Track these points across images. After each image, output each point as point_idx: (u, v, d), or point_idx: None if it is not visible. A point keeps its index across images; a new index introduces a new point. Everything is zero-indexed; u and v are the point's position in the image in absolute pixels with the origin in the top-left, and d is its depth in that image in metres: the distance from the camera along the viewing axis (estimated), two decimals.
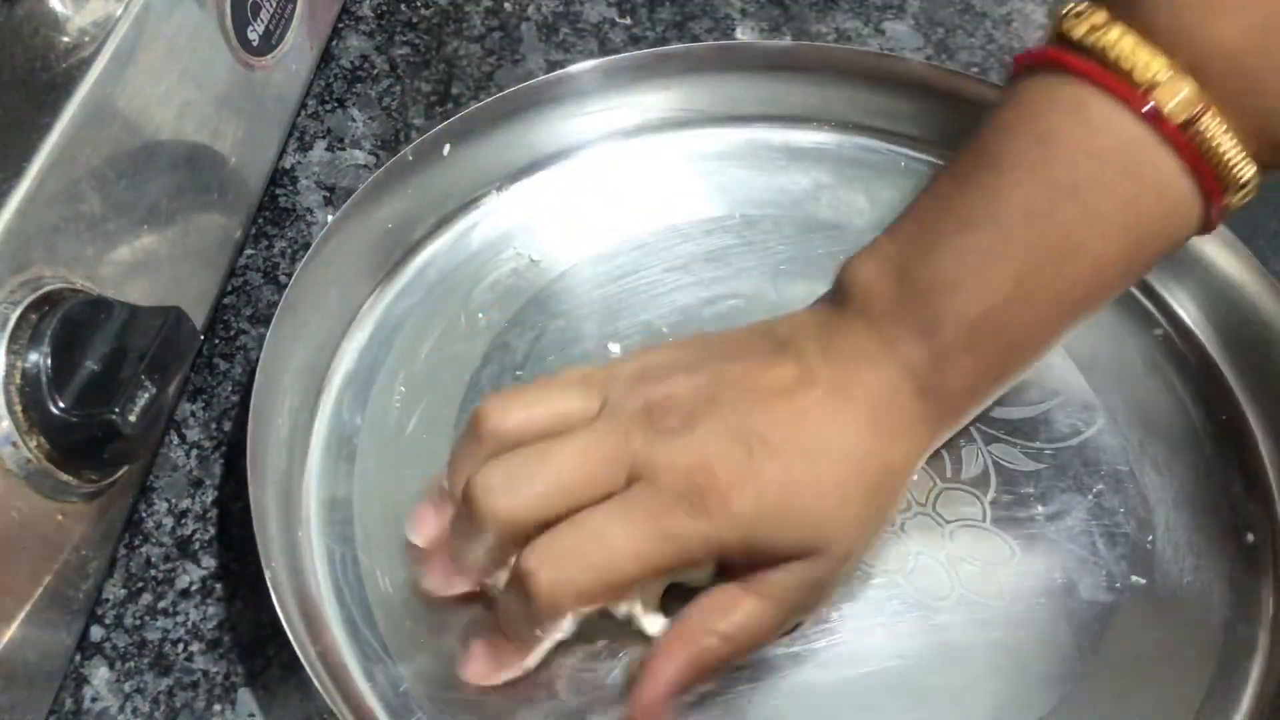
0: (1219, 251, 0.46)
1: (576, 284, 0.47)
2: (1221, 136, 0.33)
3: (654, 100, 0.51)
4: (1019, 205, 0.35)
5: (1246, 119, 0.34)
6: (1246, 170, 0.34)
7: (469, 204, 0.49)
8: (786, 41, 0.56)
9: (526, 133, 0.50)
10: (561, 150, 0.51)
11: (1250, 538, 0.41)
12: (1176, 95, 0.33)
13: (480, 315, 0.46)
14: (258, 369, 0.40)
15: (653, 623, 0.37)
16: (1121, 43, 0.34)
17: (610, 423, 0.35)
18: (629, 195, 0.50)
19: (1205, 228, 0.36)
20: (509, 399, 0.37)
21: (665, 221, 0.49)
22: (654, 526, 0.33)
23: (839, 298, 0.38)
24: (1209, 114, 0.33)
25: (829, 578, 0.36)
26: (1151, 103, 0.33)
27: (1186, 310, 0.47)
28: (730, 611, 0.35)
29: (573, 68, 0.50)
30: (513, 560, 0.35)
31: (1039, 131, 0.35)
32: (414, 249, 0.48)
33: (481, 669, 0.37)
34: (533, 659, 0.36)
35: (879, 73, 0.51)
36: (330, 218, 0.50)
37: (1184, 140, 0.33)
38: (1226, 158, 0.34)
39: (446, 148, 0.48)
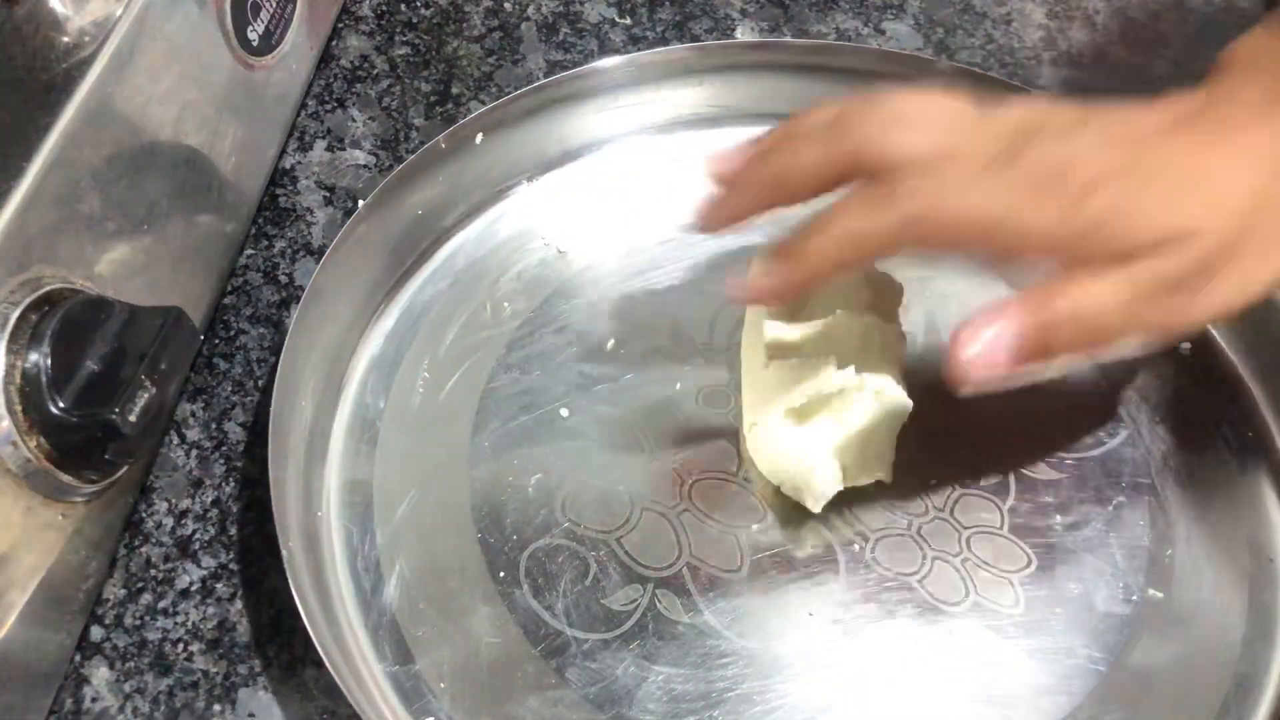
0: None
1: (602, 277, 0.48)
2: None
3: (687, 96, 0.52)
4: None
5: None
6: None
7: (499, 193, 0.50)
8: (820, 40, 0.56)
9: (559, 125, 0.50)
10: (593, 143, 0.51)
11: (1271, 556, 0.41)
12: None
13: (506, 304, 0.46)
14: (284, 348, 0.41)
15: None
16: None
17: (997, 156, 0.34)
18: (658, 190, 0.50)
19: None
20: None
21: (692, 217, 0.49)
22: (1008, 197, 0.33)
23: (1223, 69, 0.37)
24: None
25: (1189, 278, 0.33)
26: None
27: (1214, 326, 0.47)
28: (1081, 283, 0.33)
29: (605, 61, 0.50)
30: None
31: None
32: (443, 236, 0.48)
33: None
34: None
35: (912, 73, 0.51)
36: (336, 214, 0.50)
37: None
38: None
39: (479, 136, 0.48)
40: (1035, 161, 0.34)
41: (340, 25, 0.56)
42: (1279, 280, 0.34)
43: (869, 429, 0.40)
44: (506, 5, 0.58)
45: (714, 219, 0.39)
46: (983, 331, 0.33)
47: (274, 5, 0.47)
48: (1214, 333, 0.46)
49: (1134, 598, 0.40)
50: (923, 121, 0.35)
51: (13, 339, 0.33)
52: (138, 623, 0.39)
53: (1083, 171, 0.33)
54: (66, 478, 0.35)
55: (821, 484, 0.40)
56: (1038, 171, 0.33)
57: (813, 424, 0.40)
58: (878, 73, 0.51)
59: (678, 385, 0.44)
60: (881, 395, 0.39)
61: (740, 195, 0.38)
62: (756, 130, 0.51)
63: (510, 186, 0.50)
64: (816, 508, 0.40)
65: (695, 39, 0.56)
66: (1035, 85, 0.55)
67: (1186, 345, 0.46)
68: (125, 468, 0.38)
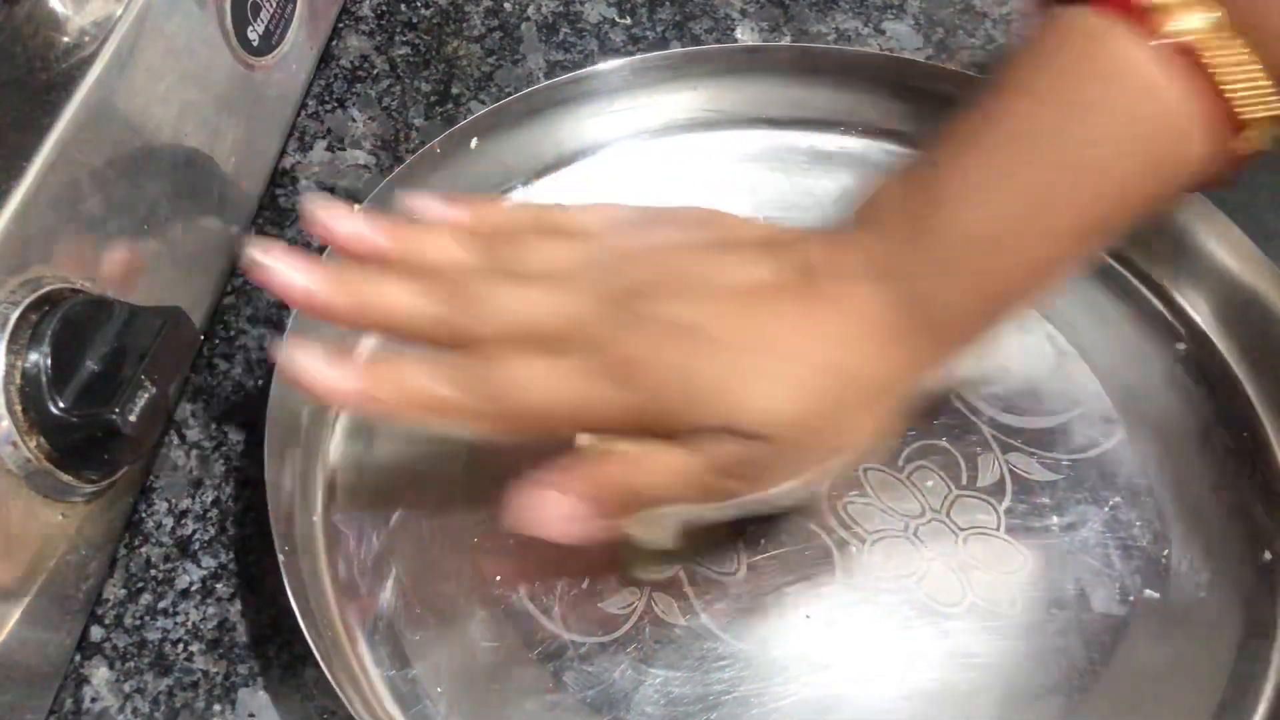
0: (1242, 266, 0.45)
1: None
2: (1234, 62, 0.32)
3: (681, 100, 0.51)
4: (1026, 126, 0.34)
5: (1270, 47, 0.32)
6: (1266, 103, 0.33)
7: (495, 197, 0.49)
8: (817, 45, 0.56)
9: (554, 129, 0.50)
10: (588, 147, 0.51)
11: (1267, 555, 0.41)
12: (1185, 17, 0.32)
13: None
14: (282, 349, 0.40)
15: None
16: None
17: (587, 285, 0.35)
18: (654, 195, 0.50)
19: (1228, 166, 0.35)
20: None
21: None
22: (581, 386, 0.34)
23: (852, 218, 0.38)
24: (1224, 36, 0.32)
25: (769, 460, 0.35)
26: (1160, 24, 0.32)
27: (1209, 325, 0.46)
28: (652, 449, 0.34)
29: (601, 65, 0.50)
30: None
31: (1049, 59, 0.35)
32: None
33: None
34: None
35: (910, 78, 0.50)
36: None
37: (1193, 62, 0.32)
38: (1240, 86, 0.33)
39: (474, 141, 0.48)
40: (621, 337, 0.34)
41: (340, 25, 0.56)
42: (848, 463, 0.36)
43: None
44: (506, 5, 0.58)
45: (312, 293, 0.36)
46: (538, 496, 0.34)
47: (274, 5, 0.47)
48: (1207, 331, 0.46)
49: (1131, 598, 0.40)
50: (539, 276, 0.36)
51: (13, 339, 0.33)
52: (138, 623, 0.39)
53: (661, 350, 0.34)
54: (66, 478, 0.35)
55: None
56: (621, 345, 0.34)
57: None
58: (873, 77, 0.51)
59: None
60: None
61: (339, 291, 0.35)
62: (753, 134, 0.52)
63: (506, 191, 0.50)
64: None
65: (695, 39, 0.56)
66: None
67: (1182, 345, 0.46)
68: (125, 468, 0.38)
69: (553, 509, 0.34)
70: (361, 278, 0.36)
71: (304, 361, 0.34)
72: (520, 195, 0.50)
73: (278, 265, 0.35)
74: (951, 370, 0.38)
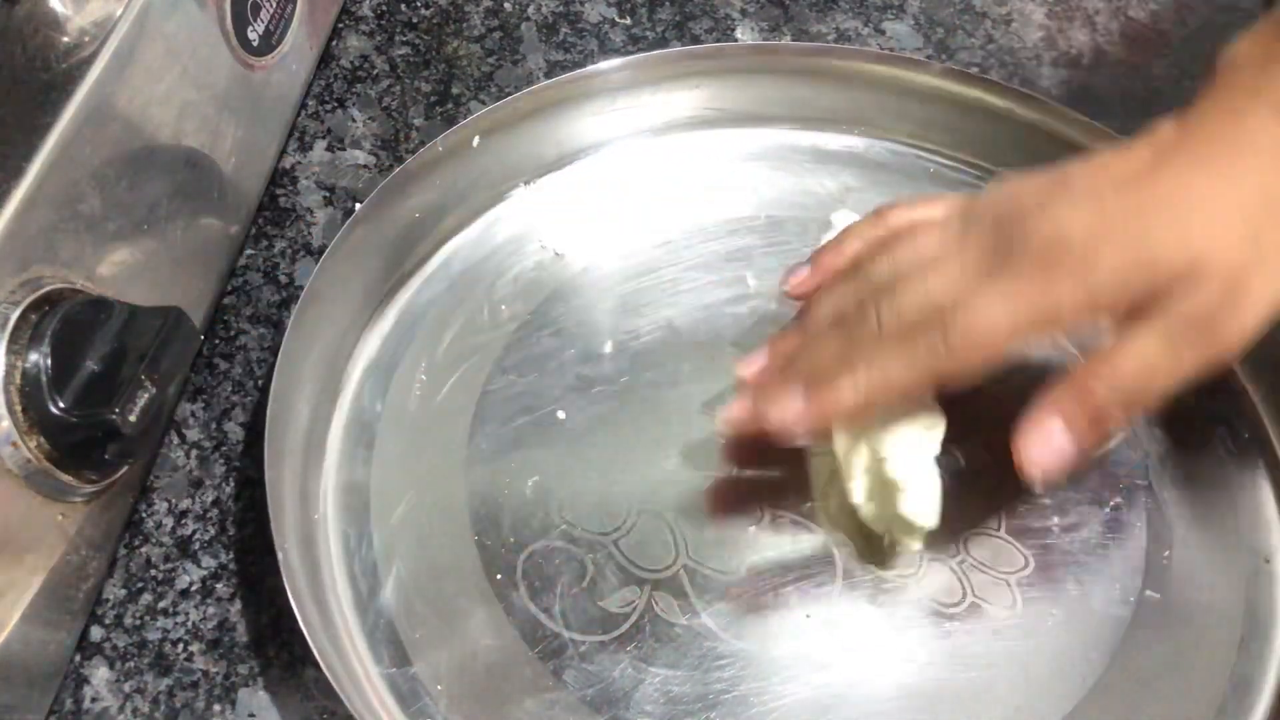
0: None
1: (599, 279, 0.48)
2: None
3: (683, 99, 0.51)
4: None
5: None
6: None
7: (496, 197, 0.50)
8: (816, 43, 0.56)
9: (556, 128, 0.50)
10: (589, 146, 0.51)
11: (1267, 556, 0.41)
12: None
13: (503, 307, 0.47)
14: (280, 350, 0.41)
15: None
16: None
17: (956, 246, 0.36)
18: (655, 193, 0.50)
19: None
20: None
21: (690, 220, 0.49)
22: (1026, 292, 0.34)
23: (1208, 86, 0.37)
24: None
25: (1215, 309, 0.33)
26: None
27: None
28: (1114, 355, 0.34)
29: (603, 64, 0.50)
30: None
31: None
32: (440, 240, 0.48)
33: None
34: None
35: (911, 78, 0.50)
36: (336, 214, 0.50)
37: None
38: None
39: (476, 140, 0.48)
40: (1032, 245, 0.34)
41: (340, 25, 0.56)
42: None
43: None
44: (506, 5, 0.58)
45: (745, 425, 0.39)
46: (1038, 435, 0.34)
47: (274, 5, 0.47)
48: None
49: (1131, 599, 0.40)
50: (921, 266, 0.36)
51: (13, 339, 0.33)
52: (138, 623, 0.39)
53: (1081, 232, 0.34)
54: (66, 478, 0.35)
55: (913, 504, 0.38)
56: (1039, 253, 0.34)
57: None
58: (874, 77, 0.51)
59: (675, 388, 0.44)
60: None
61: (771, 399, 0.38)
62: (755, 133, 0.52)
63: (507, 190, 0.50)
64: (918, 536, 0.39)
65: (695, 39, 0.56)
66: (1035, 85, 0.55)
67: None
68: (125, 468, 0.38)
69: (1056, 441, 0.34)
70: (810, 387, 0.37)
71: (776, 412, 0.37)
72: (522, 194, 0.50)
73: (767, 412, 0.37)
74: None
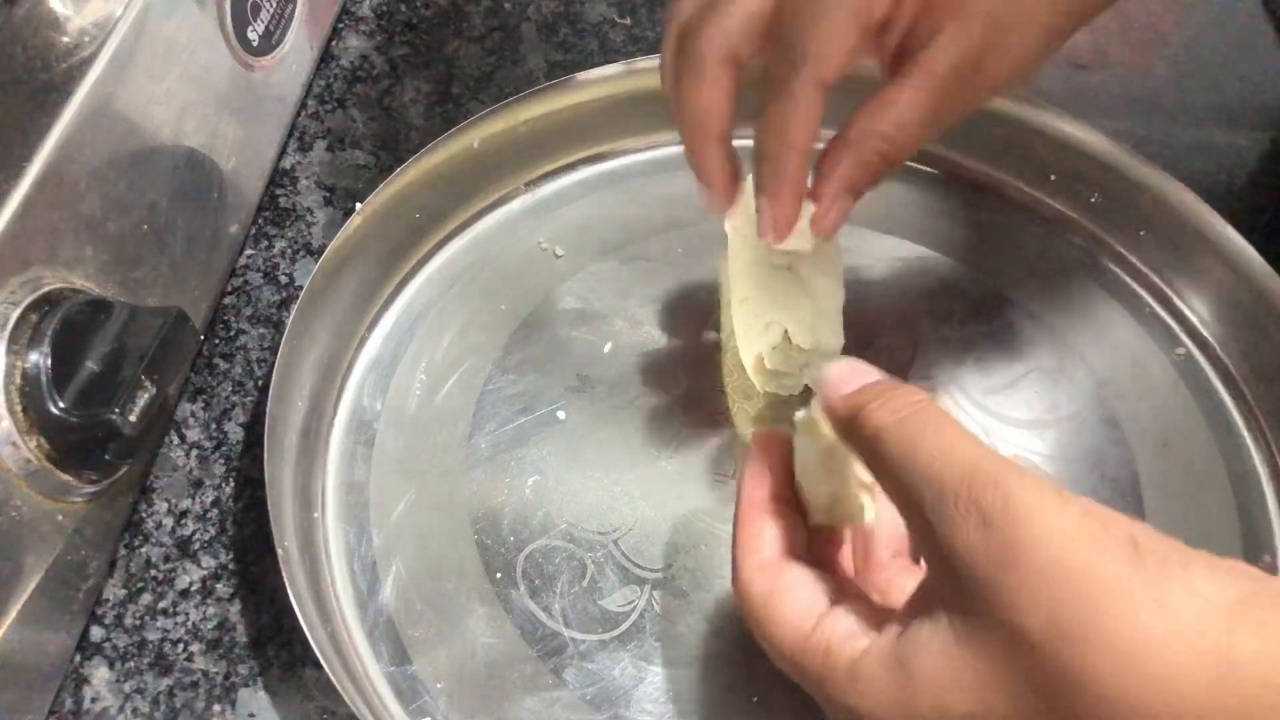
0: (1243, 271, 0.46)
1: (599, 280, 0.48)
2: None
3: None
4: None
5: None
6: None
7: (496, 197, 0.50)
8: None
9: (555, 128, 0.50)
10: (589, 146, 0.51)
11: (1267, 558, 0.41)
12: None
13: (503, 307, 0.47)
14: (280, 350, 0.41)
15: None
16: None
17: None
18: (655, 194, 0.50)
19: None
20: None
21: (690, 220, 0.49)
22: None
23: None
24: None
25: (985, 53, 0.34)
26: None
27: (1210, 330, 0.47)
28: (888, 107, 0.35)
29: (605, 68, 0.50)
30: None
31: None
32: (440, 240, 0.48)
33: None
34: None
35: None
36: (336, 214, 0.50)
37: None
38: None
39: (476, 140, 0.48)
40: None
41: (340, 25, 0.56)
42: (1054, 39, 0.35)
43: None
44: (506, 5, 0.58)
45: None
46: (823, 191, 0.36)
47: (274, 5, 0.47)
48: (1208, 335, 0.47)
49: None
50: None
51: (13, 339, 0.33)
52: (138, 623, 0.39)
53: None
54: (66, 478, 0.35)
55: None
56: None
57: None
58: (872, 75, 0.51)
59: (675, 388, 0.45)
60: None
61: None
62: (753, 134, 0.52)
63: (507, 190, 0.50)
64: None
65: None
66: (1035, 85, 0.55)
67: (1181, 350, 0.46)
68: (125, 468, 0.38)
69: (837, 185, 0.36)
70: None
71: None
72: (522, 194, 0.50)
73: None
74: None
